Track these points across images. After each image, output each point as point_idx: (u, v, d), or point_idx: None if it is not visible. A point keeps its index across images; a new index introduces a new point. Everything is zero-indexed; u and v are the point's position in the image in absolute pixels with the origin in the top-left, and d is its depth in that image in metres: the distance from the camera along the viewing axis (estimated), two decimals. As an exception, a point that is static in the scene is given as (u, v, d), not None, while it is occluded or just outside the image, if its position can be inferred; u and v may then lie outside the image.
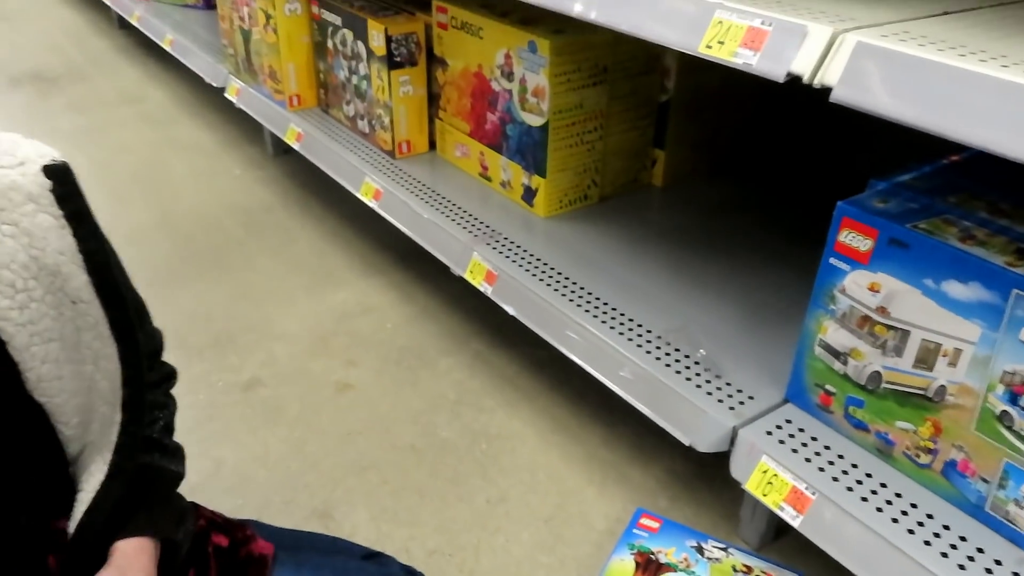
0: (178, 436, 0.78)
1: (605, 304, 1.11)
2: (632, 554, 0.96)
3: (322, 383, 1.29)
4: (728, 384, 0.98)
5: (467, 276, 1.23)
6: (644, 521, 1.00)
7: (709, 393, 0.96)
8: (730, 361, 1.02)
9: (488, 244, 1.24)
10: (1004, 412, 0.78)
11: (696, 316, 1.11)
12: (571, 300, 1.12)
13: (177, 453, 0.78)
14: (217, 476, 1.12)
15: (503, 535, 1.04)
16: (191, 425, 1.19)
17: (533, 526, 1.05)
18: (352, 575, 0.85)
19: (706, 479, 1.13)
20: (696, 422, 0.95)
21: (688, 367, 1.00)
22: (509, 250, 1.23)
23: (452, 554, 1.00)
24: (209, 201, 1.88)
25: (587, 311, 1.10)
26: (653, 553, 0.96)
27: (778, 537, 1.04)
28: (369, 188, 1.44)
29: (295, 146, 1.70)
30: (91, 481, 0.69)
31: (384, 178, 1.45)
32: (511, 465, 1.15)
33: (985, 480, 0.81)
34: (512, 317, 1.43)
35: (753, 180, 1.48)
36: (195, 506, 0.88)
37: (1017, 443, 0.77)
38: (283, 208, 1.84)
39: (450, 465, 1.14)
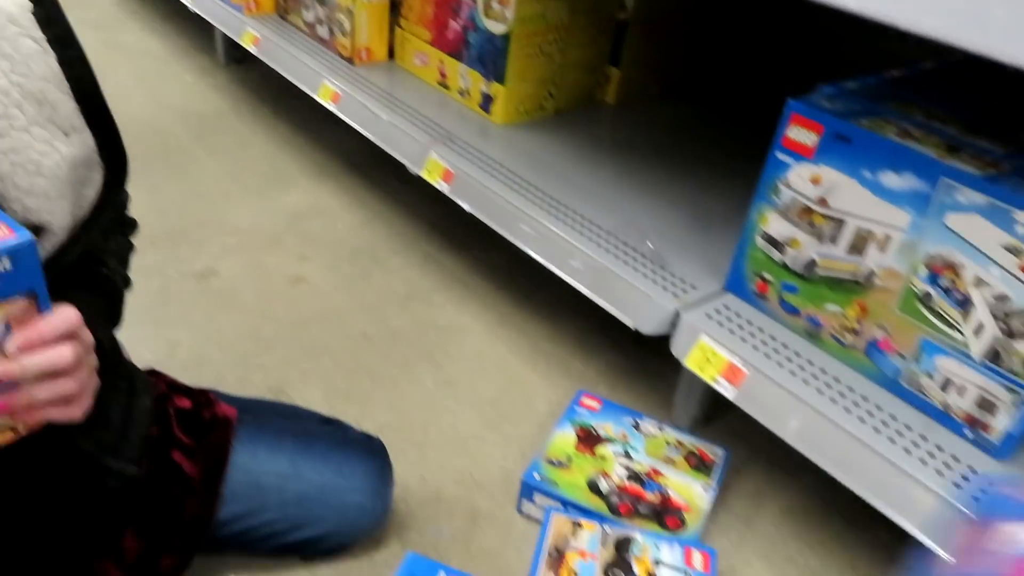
0: (132, 318, 0.79)
1: (557, 202, 1.15)
2: (574, 429, 1.01)
3: (275, 275, 1.30)
4: (672, 275, 1.03)
5: (424, 174, 1.25)
6: (585, 401, 1.06)
7: (654, 282, 1.01)
8: (675, 255, 1.07)
9: (446, 145, 1.26)
10: (925, 292, 0.85)
11: (645, 216, 1.16)
12: (525, 197, 1.15)
13: (123, 279, 0.78)
14: (173, 356, 1.12)
15: (450, 414, 1.08)
16: (146, 308, 1.19)
17: (479, 407, 1.10)
18: (313, 437, 0.88)
19: (643, 372, 1.19)
20: (641, 307, 1.00)
21: (635, 259, 1.05)
22: (466, 152, 1.25)
23: (402, 428, 1.04)
24: (159, 106, 1.83)
25: (540, 207, 1.13)
26: (593, 428, 1.02)
27: (707, 423, 1.10)
28: (327, 90, 1.44)
29: (252, 50, 1.67)
30: None
31: (343, 81, 1.45)
32: (459, 353, 1.19)
33: (902, 356, 0.88)
34: (463, 222, 1.45)
35: (706, 102, 1.53)
36: (154, 372, 0.89)
37: (935, 320, 0.84)
38: (235, 115, 1.82)
39: (400, 352, 1.17)
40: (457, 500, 0.96)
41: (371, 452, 0.89)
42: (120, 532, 0.77)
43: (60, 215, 0.62)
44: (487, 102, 1.36)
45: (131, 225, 0.83)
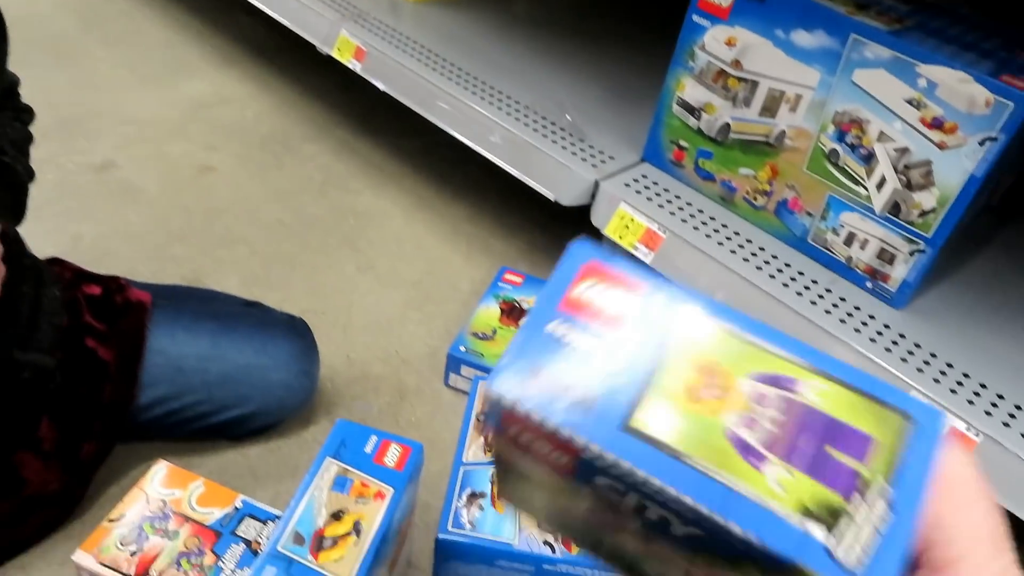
0: (29, 212, 0.74)
1: (475, 78, 1.12)
2: (497, 303, 1.02)
3: (181, 166, 1.24)
4: (591, 147, 1.03)
5: (335, 53, 1.20)
6: (508, 276, 1.06)
7: (573, 154, 1.01)
8: (593, 127, 1.07)
9: (356, 22, 1.20)
10: (833, 150, 0.87)
11: (562, 90, 1.14)
12: (441, 74, 1.11)
13: (25, 170, 0.74)
14: (76, 250, 1.06)
15: (374, 296, 1.07)
16: (43, 202, 1.11)
17: (402, 289, 1.09)
18: (234, 319, 0.86)
19: (562, 249, 1.20)
20: (561, 179, 1.00)
21: (554, 132, 1.04)
22: (378, 29, 1.20)
23: (325, 312, 1.03)
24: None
25: (457, 83, 1.10)
26: (516, 302, 1.03)
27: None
28: (222, -36, 1.34)
29: (133, -75, 1.54)
30: None
31: (239, -44, 1.35)
32: (379, 238, 1.17)
33: (810, 214, 0.91)
34: (378, 106, 1.41)
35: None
36: (58, 261, 0.84)
37: (841, 177, 0.87)
38: (127, 1, 1.68)
39: (319, 238, 1.15)
40: (384, 377, 0.97)
41: (294, 332, 0.88)
42: (35, 421, 0.75)
43: None
44: (397, -24, 1.29)
45: (27, 112, 0.77)
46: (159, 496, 0.77)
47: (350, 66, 1.17)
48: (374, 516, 0.66)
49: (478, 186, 1.30)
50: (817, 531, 0.20)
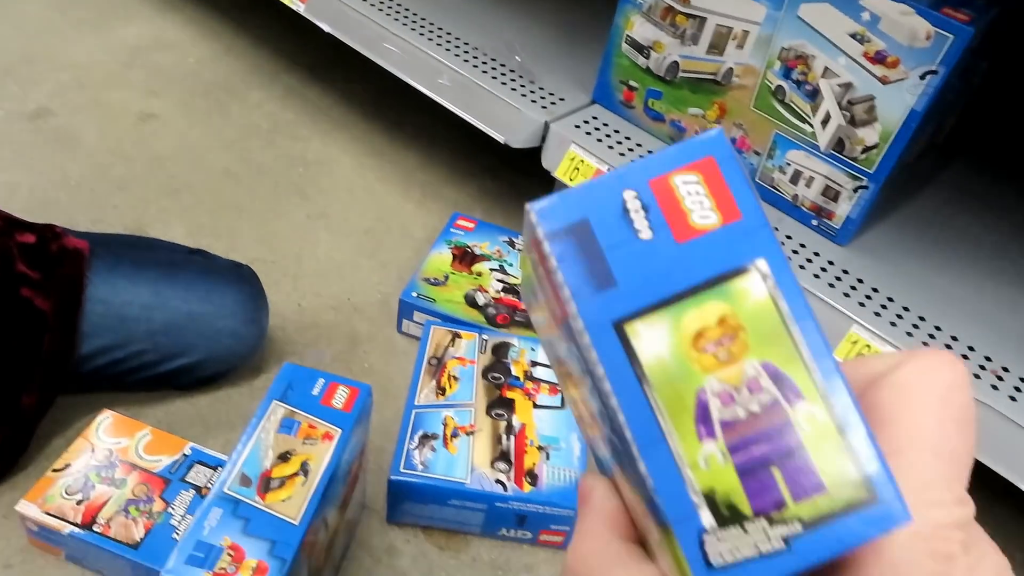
0: None
1: (422, 19, 1.09)
2: (449, 248, 1.01)
3: (121, 113, 1.20)
4: (541, 88, 1.02)
5: (275, -6, 1.16)
6: (460, 222, 1.06)
7: (523, 96, 1.00)
8: (543, 69, 1.06)
9: (296, -41, 1.16)
10: (779, 87, 0.87)
11: (512, 31, 1.12)
12: (388, 15, 1.09)
13: None
14: (12, 200, 1.03)
15: (324, 245, 1.06)
16: (-32, 155, 1.08)
17: (354, 236, 1.08)
18: (177, 267, 0.84)
19: (516, 194, 1.20)
20: (511, 121, 0.99)
21: (504, 74, 1.02)
22: (320, -34, 1.16)
23: (275, 261, 1.01)
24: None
25: (404, 24, 1.07)
26: (469, 247, 1.02)
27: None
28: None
29: None
30: None
31: None
32: (329, 186, 1.15)
33: (757, 153, 0.92)
34: (324, 52, 1.37)
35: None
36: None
37: (787, 115, 0.88)
38: (53, -58, 1.60)
39: (267, 186, 1.13)
40: (336, 325, 0.96)
41: (241, 279, 0.87)
42: (-29, 373, 0.73)
43: None
44: (340, -86, 1.25)
45: None
46: (105, 445, 0.76)
47: (293, 7, 1.14)
48: (322, 456, 0.65)
49: (430, 132, 1.28)
50: (706, 516, 0.20)
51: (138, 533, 0.70)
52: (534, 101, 0.99)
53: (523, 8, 1.18)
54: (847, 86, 0.83)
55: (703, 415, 0.20)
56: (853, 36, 0.81)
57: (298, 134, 1.22)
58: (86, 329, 0.78)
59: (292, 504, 0.62)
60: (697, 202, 0.21)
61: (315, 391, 0.70)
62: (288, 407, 0.68)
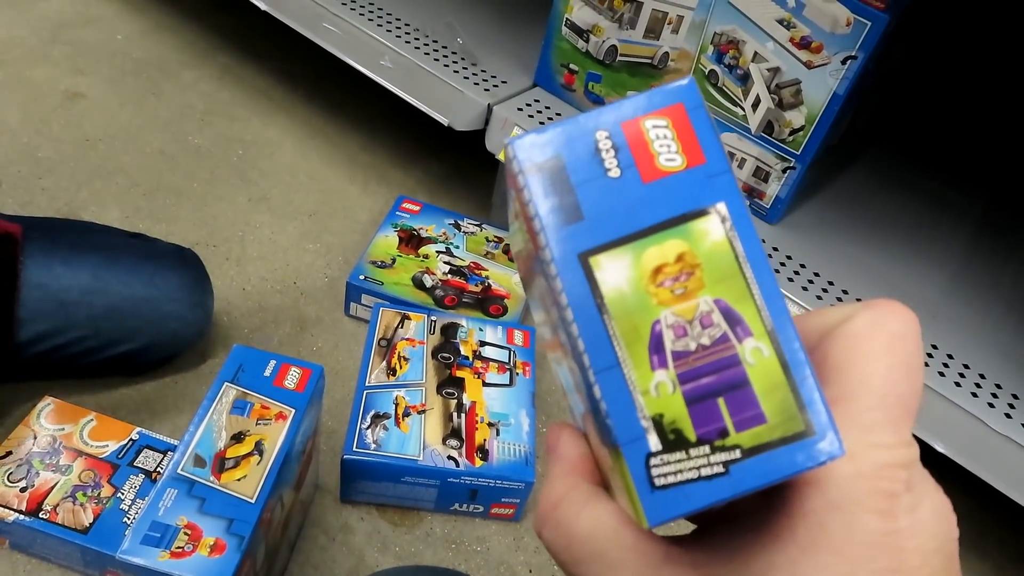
0: None
1: (364, 1, 1.09)
2: (395, 231, 1.02)
3: (46, 92, 1.15)
4: (483, 71, 1.03)
5: (209, -29, 1.13)
6: (406, 205, 1.06)
7: (466, 78, 1.01)
8: (484, 51, 1.07)
9: (231, -64, 1.14)
10: (712, 71, 0.91)
11: (454, 14, 1.13)
12: (326, -6, 1.08)
13: None
14: (-74, 184, 0.99)
15: (268, 228, 1.05)
16: None
17: (297, 220, 1.07)
18: (117, 251, 0.83)
19: (460, 177, 1.21)
20: (454, 103, 1.00)
21: (446, 56, 1.03)
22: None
23: (217, 245, 1.00)
24: None
25: (344, 4, 1.07)
26: (415, 230, 1.03)
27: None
28: None
29: None
30: None
31: None
32: (270, 168, 1.14)
33: (693, 136, 0.95)
34: (260, 30, 1.35)
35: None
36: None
37: (720, 98, 0.91)
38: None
39: (206, 169, 1.11)
40: (282, 308, 0.96)
41: (184, 262, 0.86)
42: (-98, 363, 0.70)
43: None
44: None
45: None
46: (47, 432, 0.74)
47: (229, -14, 1.12)
48: (276, 436, 0.66)
49: (372, 115, 1.28)
50: (653, 439, 0.21)
51: (87, 519, 0.69)
52: (476, 84, 1.00)
53: (463, -10, 1.19)
54: (775, 70, 0.87)
55: (656, 345, 0.21)
56: (780, 22, 0.85)
57: (236, 115, 1.20)
58: (23, 315, 0.76)
59: (248, 483, 0.63)
60: (665, 145, 0.22)
61: (267, 372, 0.70)
62: (240, 388, 0.68)
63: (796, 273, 0.89)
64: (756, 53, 0.87)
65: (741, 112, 0.90)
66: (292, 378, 0.71)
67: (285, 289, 0.98)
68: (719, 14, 0.87)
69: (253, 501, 0.62)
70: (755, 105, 0.89)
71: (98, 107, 1.15)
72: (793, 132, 0.88)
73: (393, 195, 1.14)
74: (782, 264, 0.90)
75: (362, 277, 0.95)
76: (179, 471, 0.62)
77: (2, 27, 1.24)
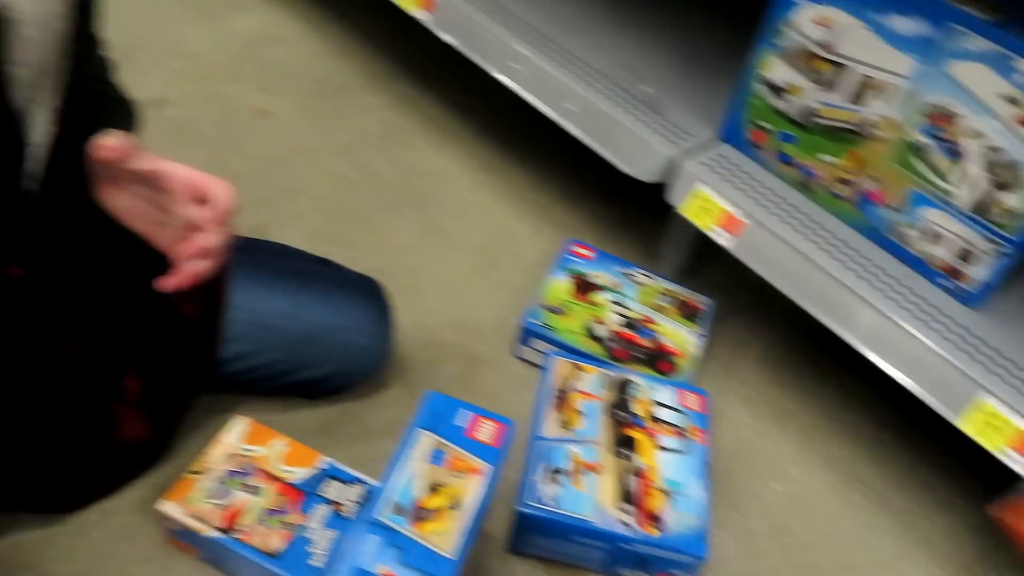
0: None
1: (548, 39, 1.09)
2: (568, 276, 1.02)
3: (238, 108, 1.21)
4: (669, 121, 1.01)
5: (398, 1, 1.16)
6: (578, 249, 1.06)
7: (651, 128, 1.00)
8: (670, 100, 1.05)
9: (424, -31, 1.16)
10: (920, 143, 0.86)
11: (637, 57, 1.12)
12: (515, 33, 1.09)
13: (129, 104, 0.72)
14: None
15: (440, 260, 1.07)
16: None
17: (468, 255, 1.09)
18: (311, 277, 0.86)
19: (626, 222, 1.20)
20: (637, 152, 0.99)
21: (630, 103, 1.02)
22: (447, -22, 1.16)
23: (392, 274, 1.01)
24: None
25: (532, 44, 1.07)
26: (587, 276, 1.03)
27: (690, 274, 1.13)
28: (284, -102, 1.29)
29: None
30: (38, 132, 0.63)
31: None
32: (443, 199, 1.16)
33: (891, 208, 0.91)
34: (437, 59, 1.37)
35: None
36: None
37: (926, 172, 0.87)
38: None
39: (382, 195, 1.14)
40: (453, 345, 0.97)
41: (370, 293, 0.88)
42: (120, 374, 0.75)
43: None
44: (466, -75, 1.25)
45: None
46: (240, 452, 0.77)
47: (418, 16, 1.14)
48: (472, 491, 0.66)
49: (541, 152, 1.28)
50: None
51: (277, 543, 0.72)
52: (661, 135, 0.99)
53: (651, 33, 1.18)
54: (994, 149, 0.82)
55: None
56: (1005, 98, 0.80)
57: (411, 143, 1.23)
58: (227, 334, 0.80)
59: (447, 538, 0.63)
60: None
61: (459, 422, 0.71)
62: (435, 437, 0.69)
63: (997, 364, 0.83)
64: (973, 129, 0.82)
65: (949, 188, 0.85)
66: (485, 430, 0.71)
67: (455, 324, 0.99)
68: (934, 84, 0.82)
69: (452, 556, 0.62)
70: (967, 183, 0.84)
71: (284, 126, 1.21)
72: (1009, 215, 0.82)
73: (560, 235, 1.14)
74: (981, 352, 0.84)
75: (536, 322, 0.95)
76: (379, 517, 0.63)
77: (199, 43, 1.32)
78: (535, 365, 0.97)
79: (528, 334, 0.95)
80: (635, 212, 1.21)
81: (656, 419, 0.85)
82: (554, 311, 0.97)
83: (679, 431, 0.85)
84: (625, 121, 1.00)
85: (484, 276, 1.06)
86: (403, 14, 1.17)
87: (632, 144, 0.99)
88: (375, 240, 1.07)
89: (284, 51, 1.35)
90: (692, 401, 0.88)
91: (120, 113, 0.71)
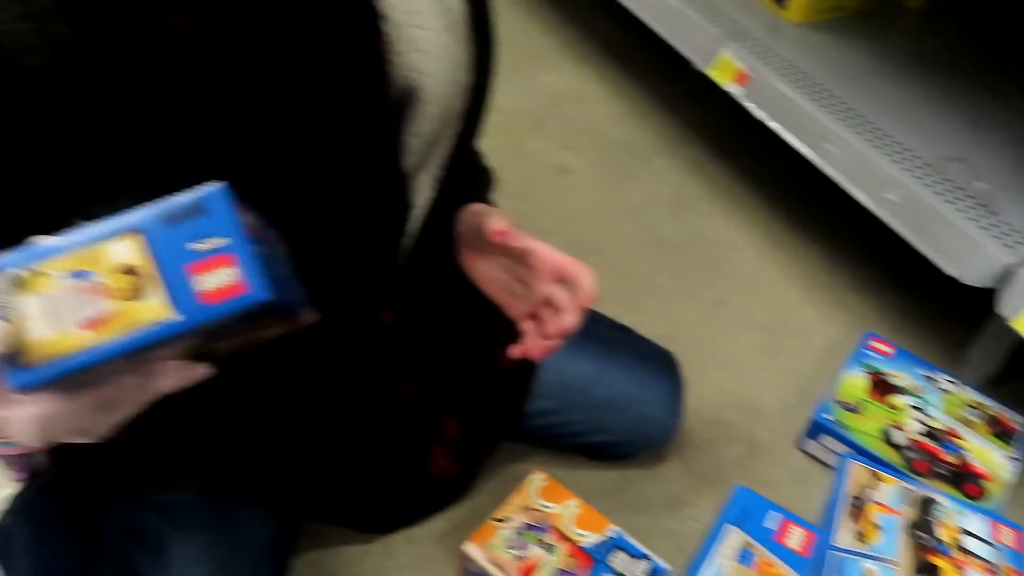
0: None
1: (869, 122, 1.05)
2: (865, 373, 0.97)
3: (540, 163, 1.29)
4: (1004, 222, 0.93)
5: (712, 73, 1.17)
6: (876, 344, 1.00)
7: (982, 227, 0.92)
8: (1005, 198, 0.97)
9: (739, 42, 1.17)
10: None
11: (968, 148, 1.04)
12: (831, 112, 1.06)
13: (490, 172, 0.79)
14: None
15: (725, 336, 1.06)
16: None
17: (753, 332, 1.07)
18: (615, 344, 0.88)
19: (927, 320, 1.12)
20: (964, 252, 0.92)
21: (960, 199, 0.95)
22: (761, 52, 1.16)
23: (677, 343, 1.02)
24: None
25: (849, 126, 1.04)
26: (885, 375, 0.97)
27: (997, 384, 1.03)
28: (605, -34, 1.36)
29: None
30: (421, 198, 0.71)
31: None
32: (731, 272, 1.15)
33: None
34: (732, 127, 1.37)
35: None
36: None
37: None
38: (481, -18, 1.76)
39: (670, 262, 1.15)
40: (735, 425, 0.96)
41: (668, 368, 0.89)
42: (442, 416, 0.82)
43: (440, 74, 0.60)
44: (784, -4, 1.24)
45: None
46: (538, 507, 0.82)
47: (729, 90, 1.15)
48: (779, 601, 0.65)
49: (835, 231, 1.23)
50: None
51: (566, 604, 0.75)
52: (995, 236, 0.91)
53: (986, 125, 1.09)
54: None
55: None
56: None
57: (701, 210, 1.24)
58: (535, 390, 0.85)
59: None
60: None
61: (769, 524, 0.70)
62: (745, 536, 0.69)
63: None
64: None
65: None
66: (794, 537, 0.70)
67: (737, 404, 0.98)
68: None
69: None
70: None
71: (581, 184, 1.26)
72: None
73: (852, 323, 1.09)
74: None
75: (829, 417, 0.91)
76: (685, 609, 0.64)
77: (509, 97, 1.41)
78: (820, 461, 0.93)
79: (817, 428, 0.91)
80: (938, 308, 1.13)
81: (964, 549, 0.79)
82: (848, 408, 0.92)
83: (991, 569, 0.77)
84: (953, 218, 0.93)
85: (769, 357, 1.04)
86: (702, 78, 1.18)
87: (959, 243, 0.92)
88: (662, 307, 1.09)
89: (585, 110, 1.41)
90: (1007, 536, 0.80)
91: (483, 181, 0.78)
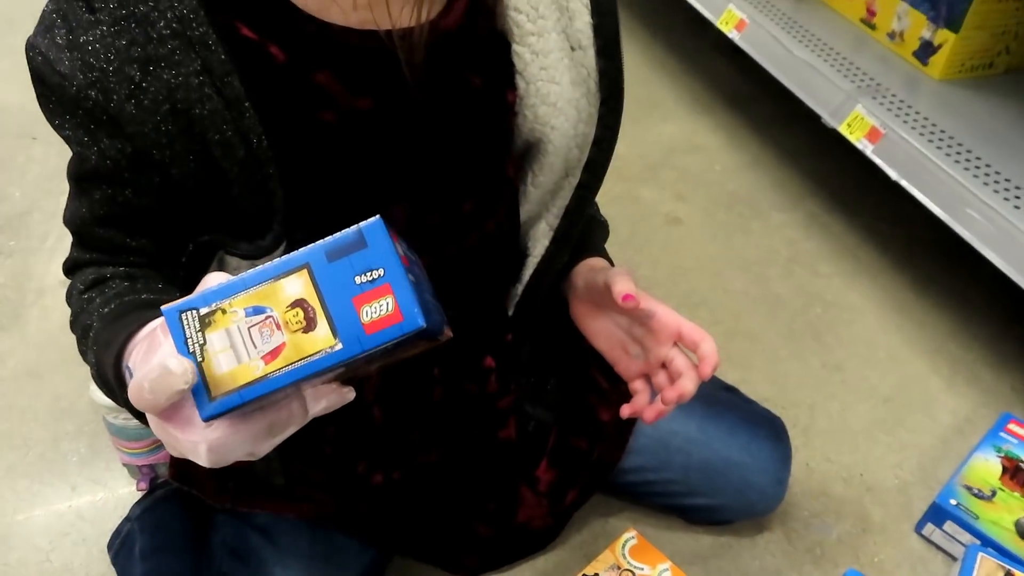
0: None
1: (1017, 188, 0.97)
2: (999, 457, 0.89)
3: (651, 212, 1.27)
4: None
5: (843, 130, 1.12)
6: (1012, 427, 0.92)
7: None
8: None
9: (874, 98, 1.12)
10: None
11: None
12: (974, 175, 0.99)
13: (605, 226, 0.79)
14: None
15: (838, 402, 1.00)
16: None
17: (870, 402, 1.00)
18: (720, 406, 0.85)
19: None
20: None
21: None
22: (898, 108, 1.10)
23: (785, 407, 0.97)
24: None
25: (995, 191, 0.97)
26: (1022, 461, 0.88)
27: None
28: (732, 16, 1.34)
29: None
30: (536, 247, 0.70)
31: (749, 7, 1.33)
32: (848, 336, 1.09)
33: None
34: (855, 182, 1.31)
35: None
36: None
37: None
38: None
39: (782, 320, 1.10)
40: (845, 500, 0.89)
41: (776, 434, 0.84)
42: (537, 462, 0.80)
43: (565, 127, 0.61)
44: (926, 51, 1.17)
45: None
46: (628, 566, 0.78)
47: (859, 146, 1.09)
48: None
49: (970, 298, 1.15)
50: None
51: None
52: None
53: None
54: None
55: None
56: None
57: (818, 269, 1.18)
58: (632, 445, 0.82)
59: None
60: None
61: (878, 615, 0.64)
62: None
63: None
64: None
65: None
66: (908, 635, 0.63)
67: (850, 478, 0.91)
68: None
69: None
70: None
71: (691, 235, 1.23)
72: None
73: (985, 401, 1.00)
74: None
75: (953, 502, 0.83)
76: None
77: (623, 144, 1.39)
78: (941, 549, 0.85)
79: (940, 513, 0.84)
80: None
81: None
82: (977, 495, 0.84)
83: None
84: (1108, 296, 0.85)
85: (887, 430, 0.97)
86: (821, 129, 1.14)
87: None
88: (770, 367, 1.03)
89: (700, 160, 1.38)
90: None
91: (600, 234, 0.77)
